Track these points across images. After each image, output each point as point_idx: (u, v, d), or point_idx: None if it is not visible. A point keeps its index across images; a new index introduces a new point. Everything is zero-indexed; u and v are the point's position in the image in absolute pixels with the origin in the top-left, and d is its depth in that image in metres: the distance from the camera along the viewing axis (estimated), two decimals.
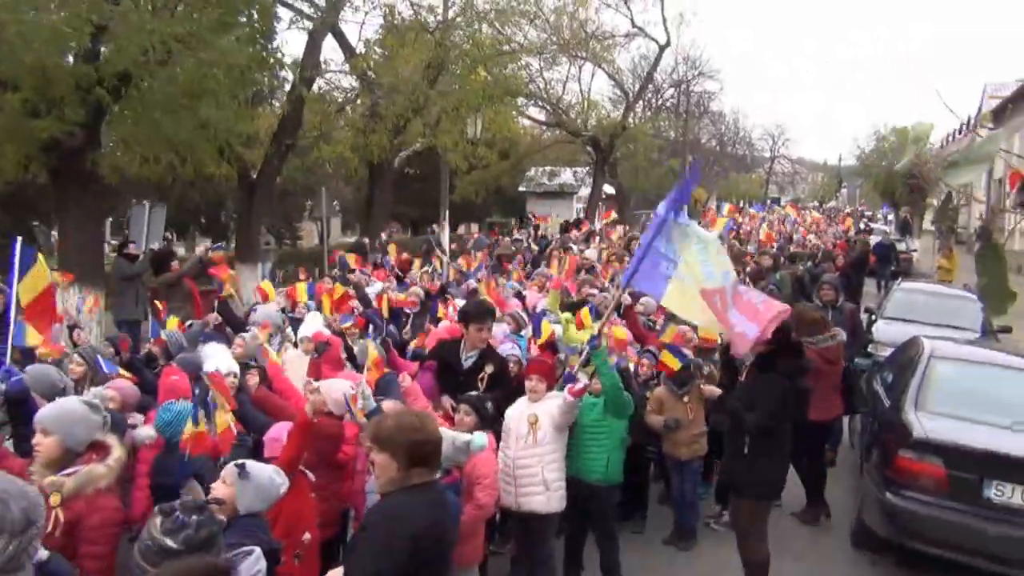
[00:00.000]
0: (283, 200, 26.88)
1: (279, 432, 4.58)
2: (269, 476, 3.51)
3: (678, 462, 6.50)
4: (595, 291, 9.39)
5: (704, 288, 4.82)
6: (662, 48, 30.96)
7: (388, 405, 4.83)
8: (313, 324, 7.21)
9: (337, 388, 4.81)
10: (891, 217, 55.29)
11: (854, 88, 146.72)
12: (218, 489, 3.40)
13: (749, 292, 4.97)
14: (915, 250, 30.71)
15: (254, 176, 14.41)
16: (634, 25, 30.36)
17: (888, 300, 12.42)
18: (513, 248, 16.04)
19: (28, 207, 19.52)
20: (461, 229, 35.58)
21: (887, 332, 11.48)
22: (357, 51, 16.82)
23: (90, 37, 9.14)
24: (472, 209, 34.88)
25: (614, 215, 27.29)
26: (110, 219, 22.84)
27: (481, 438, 4.50)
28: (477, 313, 6.14)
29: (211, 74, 10.40)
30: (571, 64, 31.16)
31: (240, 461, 3.50)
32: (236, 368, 5.44)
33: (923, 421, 5.98)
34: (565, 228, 25.83)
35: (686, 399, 6.46)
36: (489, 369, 5.85)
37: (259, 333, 6.47)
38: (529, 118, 31.75)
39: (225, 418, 4.18)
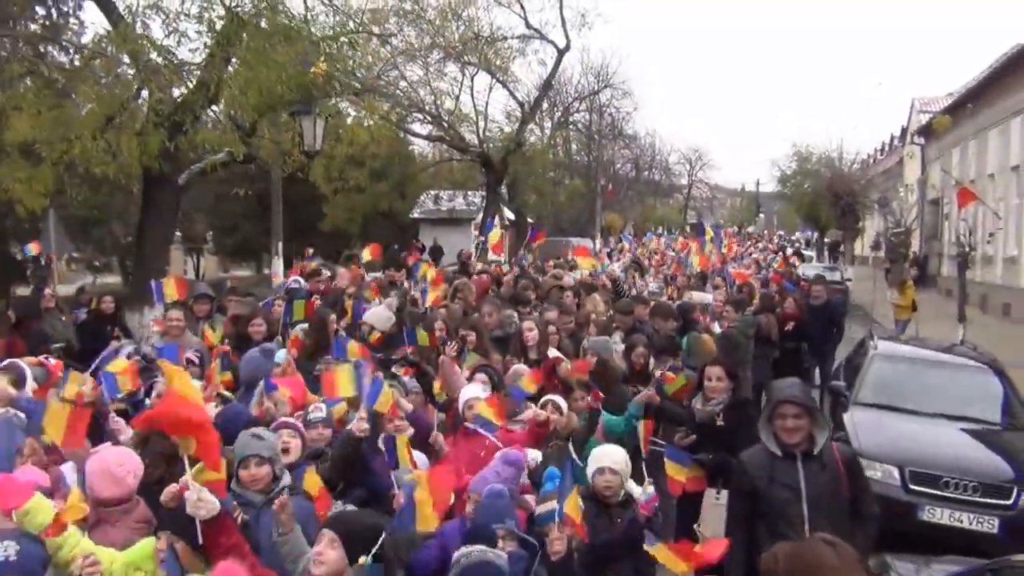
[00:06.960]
0: (87, 227, 21.23)
1: None
2: None
3: None
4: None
5: None
6: (561, 52, 27.14)
7: None
8: None
9: None
10: (811, 241, 52.81)
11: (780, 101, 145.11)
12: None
13: None
14: (850, 279, 26.93)
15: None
16: (528, 26, 26.57)
17: (864, 375, 7.99)
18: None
19: None
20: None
21: (871, 435, 7.11)
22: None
23: None
24: (348, 239, 29.84)
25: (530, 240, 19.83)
26: None
27: None
28: None
29: None
30: (463, 73, 27.00)
31: None
32: None
33: None
34: (463, 268, 16.04)
35: None
36: None
37: None
38: (408, 131, 27.22)
39: None
